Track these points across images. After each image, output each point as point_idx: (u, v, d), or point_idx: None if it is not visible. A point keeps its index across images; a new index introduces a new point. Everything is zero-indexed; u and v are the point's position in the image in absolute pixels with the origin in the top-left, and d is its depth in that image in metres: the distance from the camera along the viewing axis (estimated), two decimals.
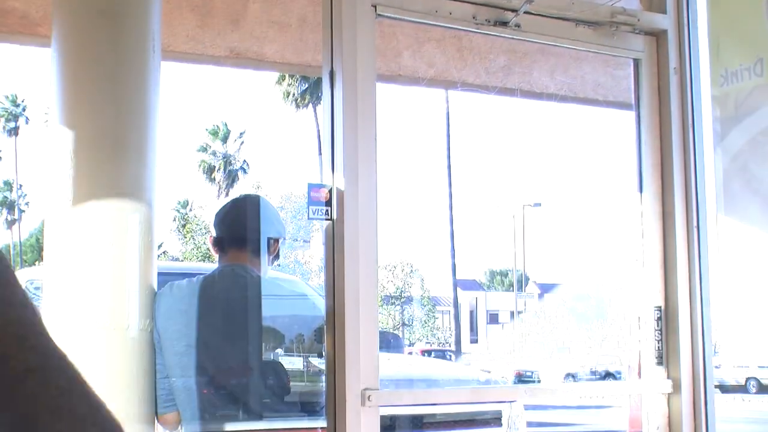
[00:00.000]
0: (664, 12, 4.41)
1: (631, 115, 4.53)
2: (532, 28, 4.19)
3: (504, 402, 6.23)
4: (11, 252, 60.05)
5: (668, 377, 4.44)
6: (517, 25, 4.17)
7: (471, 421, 5.94)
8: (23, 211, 66.76)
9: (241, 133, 64.63)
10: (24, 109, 65.97)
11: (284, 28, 5.26)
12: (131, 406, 3.72)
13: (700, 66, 4.39)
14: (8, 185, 66.03)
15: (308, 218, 3.85)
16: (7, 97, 64.88)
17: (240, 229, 4.48)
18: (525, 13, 4.05)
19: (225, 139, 64.18)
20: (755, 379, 36.99)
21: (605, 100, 6.20)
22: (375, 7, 3.81)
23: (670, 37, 4.41)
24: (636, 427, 4.58)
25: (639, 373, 4.53)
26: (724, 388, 33.57)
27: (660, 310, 4.46)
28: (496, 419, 6.20)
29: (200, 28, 5.13)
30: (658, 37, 4.44)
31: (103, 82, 3.74)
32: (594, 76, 5.95)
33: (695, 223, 4.43)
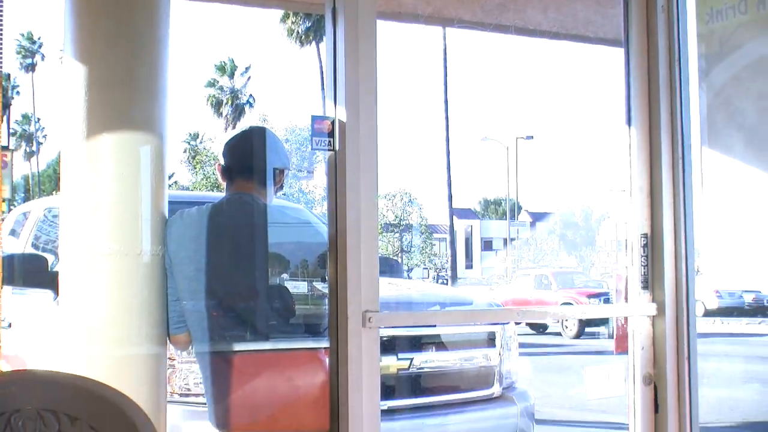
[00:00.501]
0: None
1: (621, 51, 4.53)
2: None
3: (497, 324, 6.27)
4: (30, 182, 60.15)
5: (653, 301, 4.47)
6: None
7: (467, 341, 5.98)
8: (41, 143, 66.79)
9: (246, 68, 64.34)
10: (40, 47, 65.71)
11: None
12: (145, 328, 3.75)
13: (687, 4, 4.38)
14: (26, 119, 66.01)
15: (312, 149, 3.86)
16: (23, 35, 64.67)
17: (247, 159, 4.48)
18: None
19: (232, 75, 63.89)
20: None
21: (596, 37, 6.18)
22: None
23: None
24: (622, 347, 4.62)
25: (626, 297, 4.56)
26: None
27: (646, 238, 4.49)
28: (490, 340, 6.24)
29: None
30: None
31: (115, 19, 3.73)
32: (585, 13, 5.92)
33: (680, 155, 4.44)
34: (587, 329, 25.38)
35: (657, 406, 4.44)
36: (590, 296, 26.09)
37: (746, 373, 17.56)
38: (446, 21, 5.63)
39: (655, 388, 4.45)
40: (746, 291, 34.08)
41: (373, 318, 3.81)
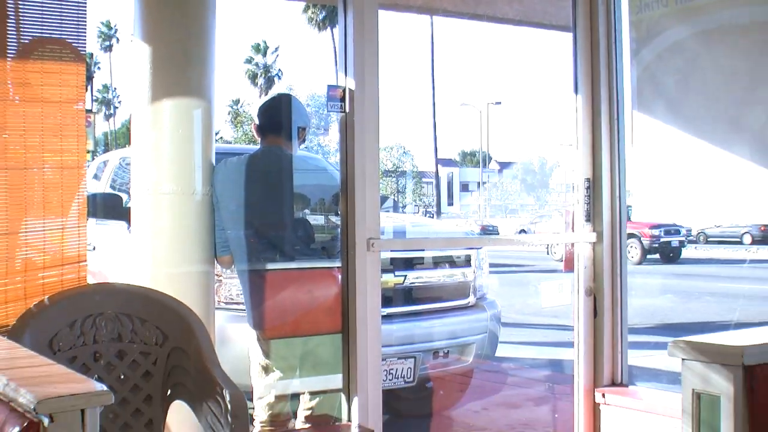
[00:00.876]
0: None
1: (570, 35, 4.51)
2: None
3: (472, 248, 6.27)
4: (108, 137, 60.30)
5: (593, 230, 4.47)
6: None
7: (448, 262, 5.98)
8: (117, 107, 66.96)
9: (276, 48, 64.27)
10: (116, 31, 65.79)
11: None
12: (198, 251, 3.75)
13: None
14: (105, 88, 66.25)
15: (327, 111, 3.85)
16: (102, 23, 64.93)
17: (276, 119, 4.47)
18: None
19: (264, 53, 63.69)
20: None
21: (550, 24, 6.13)
22: None
23: None
24: (569, 267, 4.62)
25: (572, 228, 4.56)
26: None
27: (588, 181, 4.48)
28: (467, 261, 6.25)
29: None
30: None
31: (173, 8, 3.70)
32: (542, 5, 5.87)
33: (616, 117, 4.43)
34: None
35: (596, 312, 4.45)
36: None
37: (663, 287, 17.65)
38: (433, 11, 5.59)
39: (595, 298, 4.46)
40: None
41: (375, 243, 3.81)
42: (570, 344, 4.68)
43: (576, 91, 4.48)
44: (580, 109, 4.47)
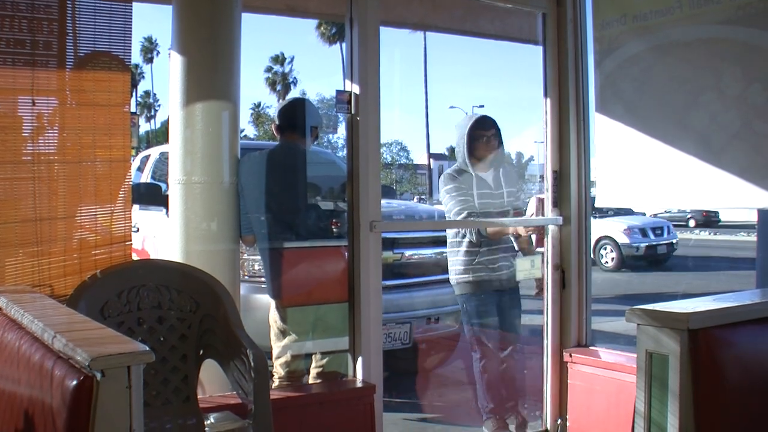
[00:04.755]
0: None
1: (539, 48, 4.53)
2: None
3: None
4: (149, 135, 60.38)
5: (560, 215, 4.48)
6: None
7: (438, 241, 5.97)
8: (156, 109, 67.00)
9: (292, 58, 64.26)
10: (157, 45, 65.78)
11: None
12: (225, 230, 3.75)
13: (587, 17, 4.35)
14: (147, 94, 66.28)
15: (335, 112, 3.85)
16: (145, 38, 64.92)
17: (293, 119, 4.46)
18: None
19: (282, 63, 63.66)
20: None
21: (525, 39, 6.13)
22: None
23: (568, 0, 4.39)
24: (540, 245, 4.64)
25: (543, 213, 4.57)
26: None
27: (557, 173, 4.48)
28: None
29: None
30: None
31: (204, 26, 3.68)
32: (518, 22, 5.87)
33: (582, 118, 4.43)
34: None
35: (564, 284, 4.46)
36: None
37: (622, 263, 17.65)
38: (426, 27, 5.57)
39: (563, 272, 4.47)
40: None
41: (377, 225, 3.81)
42: (537, 312, 4.70)
43: (545, 94, 4.49)
44: (549, 111, 4.48)
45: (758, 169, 3.58)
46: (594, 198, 4.49)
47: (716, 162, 3.73)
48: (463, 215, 4.58)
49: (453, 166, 4.82)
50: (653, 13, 3.99)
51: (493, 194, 4.69)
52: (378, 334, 3.87)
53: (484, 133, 4.71)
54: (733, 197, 3.71)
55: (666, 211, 23.43)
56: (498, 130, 4.77)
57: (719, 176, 3.72)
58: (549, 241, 4.51)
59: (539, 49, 4.53)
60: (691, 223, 31.06)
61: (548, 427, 4.49)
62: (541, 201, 4.60)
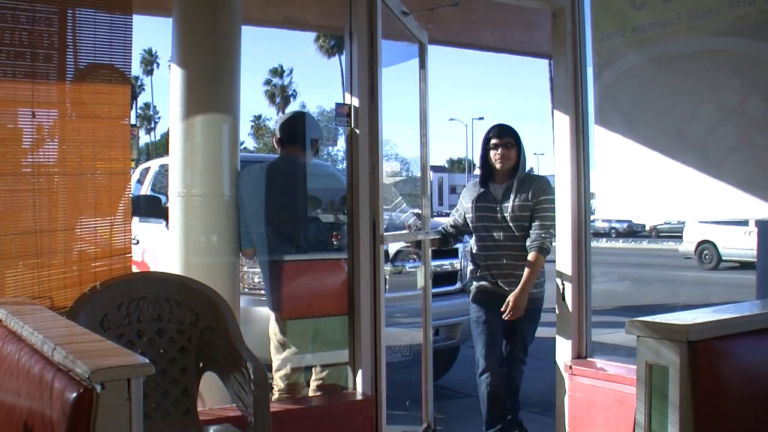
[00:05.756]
0: None
1: (545, 62, 4.54)
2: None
3: (460, 242, 6.26)
4: (149, 147, 60.57)
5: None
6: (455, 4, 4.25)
7: (440, 254, 5.96)
8: (156, 122, 67.22)
9: (291, 71, 64.57)
10: (157, 57, 66.03)
11: (321, 2, 5.19)
12: (225, 243, 3.75)
13: (587, 30, 4.37)
14: (147, 106, 66.57)
15: (335, 125, 3.85)
16: (145, 50, 65.18)
17: (293, 132, 4.47)
18: None
19: (281, 76, 63.89)
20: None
21: (525, 51, 6.16)
22: None
23: (566, 12, 4.38)
24: None
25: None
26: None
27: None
28: (455, 252, 6.28)
29: (266, 3, 5.06)
30: (558, 12, 4.42)
31: (205, 38, 3.70)
32: (519, 35, 5.89)
33: (582, 129, 4.43)
34: None
35: (564, 296, 4.46)
36: None
37: (621, 275, 17.64)
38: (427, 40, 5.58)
39: (563, 283, 4.46)
40: (620, 221, 33.60)
41: (380, 238, 3.80)
42: (542, 324, 4.69)
43: (553, 106, 4.49)
44: (556, 122, 4.48)
45: (757, 180, 3.58)
46: (594, 209, 4.49)
47: (715, 173, 3.74)
48: (446, 225, 4.86)
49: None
50: (652, 25, 4.00)
51: (492, 207, 4.61)
52: (381, 347, 3.84)
53: (496, 142, 4.65)
54: (732, 208, 3.71)
55: (665, 223, 23.36)
56: (515, 139, 4.65)
57: (718, 187, 3.72)
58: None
59: (539, 60, 4.55)
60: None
61: None
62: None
